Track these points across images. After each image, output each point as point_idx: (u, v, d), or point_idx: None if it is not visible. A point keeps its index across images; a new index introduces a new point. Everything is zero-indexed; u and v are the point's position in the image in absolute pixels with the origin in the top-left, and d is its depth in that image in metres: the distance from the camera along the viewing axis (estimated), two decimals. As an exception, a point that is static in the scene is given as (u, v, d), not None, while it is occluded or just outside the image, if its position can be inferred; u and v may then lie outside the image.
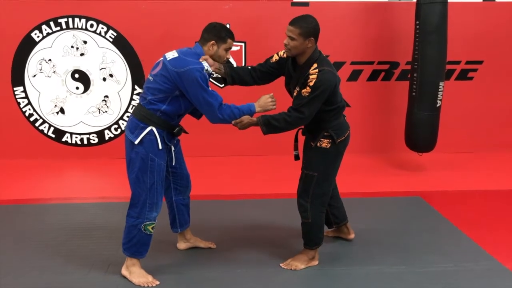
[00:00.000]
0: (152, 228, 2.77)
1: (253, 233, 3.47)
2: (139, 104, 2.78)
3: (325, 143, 2.81)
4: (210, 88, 2.65)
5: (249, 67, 3.01)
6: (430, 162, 5.13)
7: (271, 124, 2.72)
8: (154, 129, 2.67)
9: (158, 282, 2.81)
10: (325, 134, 2.81)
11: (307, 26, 2.67)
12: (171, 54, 2.71)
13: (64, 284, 2.78)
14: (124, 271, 2.85)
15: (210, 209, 3.86)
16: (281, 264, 2.98)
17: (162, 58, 2.75)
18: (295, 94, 2.78)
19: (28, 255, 3.12)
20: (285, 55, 2.89)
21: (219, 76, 2.96)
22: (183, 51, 2.73)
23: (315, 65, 2.69)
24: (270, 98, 2.80)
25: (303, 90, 2.67)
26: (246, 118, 2.74)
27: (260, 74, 2.98)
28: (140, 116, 2.70)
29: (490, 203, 4.11)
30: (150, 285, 2.78)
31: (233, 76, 2.93)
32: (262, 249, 3.21)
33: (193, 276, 2.90)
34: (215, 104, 2.64)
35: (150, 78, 2.74)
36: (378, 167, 5.04)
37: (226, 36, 2.75)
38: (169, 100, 2.68)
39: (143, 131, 2.67)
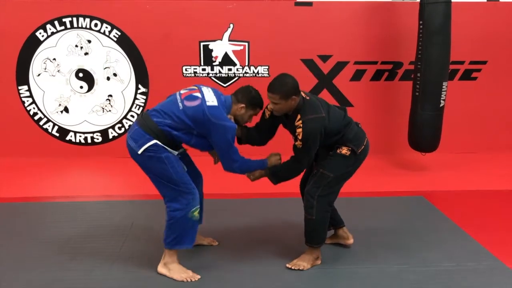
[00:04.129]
0: (198, 213, 2.80)
1: (257, 232, 3.48)
2: (148, 117, 2.73)
3: (344, 150, 2.88)
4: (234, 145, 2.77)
5: (256, 129, 3.09)
6: (433, 162, 5.13)
7: (278, 176, 2.92)
8: (158, 142, 2.68)
9: (199, 277, 2.83)
10: (343, 146, 2.89)
11: (285, 90, 2.70)
12: (211, 100, 2.72)
13: (69, 281, 2.79)
14: (161, 269, 2.86)
15: (214, 208, 3.86)
16: (287, 265, 2.96)
17: (199, 95, 2.74)
18: (293, 143, 2.84)
19: (32, 252, 3.13)
20: None
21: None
22: (220, 99, 2.77)
23: (298, 116, 2.76)
24: (279, 160, 2.94)
25: (296, 143, 2.78)
26: (258, 172, 2.94)
27: (265, 136, 3.09)
28: (147, 129, 2.68)
29: (493, 203, 4.11)
30: (192, 280, 2.80)
31: (247, 138, 3.07)
32: (265, 248, 3.22)
33: (198, 274, 2.90)
34: (235, 159, 2.78)
35: (180, 105, 2.72)
36: (381, 167, 5.05)
37: (257, 104, 2.87)
38: (185, 131, 2.72)
39: (147, 142, 2.66)
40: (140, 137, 2.68)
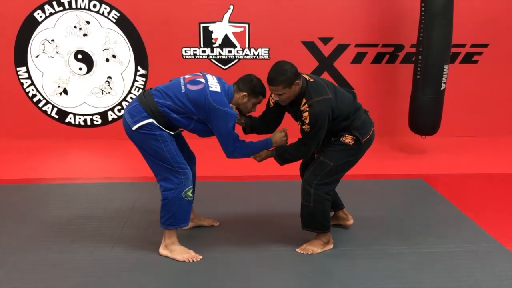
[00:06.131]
0: (191, 193, 2.81)
1: (258, 213, 3.49)
2: (150, 95, 2.71)
3: (348, 139, 2.80)
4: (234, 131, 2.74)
5: (261, 118, 3.04)
6: (433, 145, 5.13)
7: (285, 157, 2.86)
8: (154, 122, 2.67)
9: (201, 257, 2.84)
10: (347, 134, 2.81)
11: (286, 78, 2.62)
12: (214, 85, 2.71)
13: (70, 262, 2.80)
14: (163, 251, 2.87)
15: (216, 190, 3.88)
16: (296, 249, 2.95)
17: (203, 80, 2.73)
18: (300, 127, 2.78)
19: (33, 234, 3.14)
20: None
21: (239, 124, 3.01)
22: (223, 87, 2.77)
23: (304, 101, 2.69)
24: (285, 137, 2.89)
25: (303, 127, 2.72)
26: (264, 152, 2.89)
27: (271, 124, 3.04)
28: (146, 107, 2.67)
29: (492, 186, 4.13)
30: (194, 260, 2.82)
31: (252, 127, 3.03)
32: (267, 228, 3.24)
33: (199, 254, 2.91)
34: (236, 146, 2.76)
35: (182, 88, 2.70)
36: (381, 150, 5.04)
37: (259, 92, 2.83)
38: (184, 115, 2.71)
39: (143, 120, 2.65)
40: (137, 114, 2.67)
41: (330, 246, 2.99)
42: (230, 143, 2.74)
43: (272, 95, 2.82)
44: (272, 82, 2.66)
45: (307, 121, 2.66)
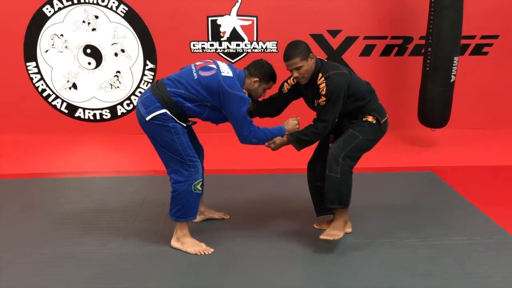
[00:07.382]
0: (200, 186, 2.82)
1: (268, 207, 3.50)
2: (162, 85, 2.72)
3: (370, 118, 2.87)
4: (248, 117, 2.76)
5: (269, 101, 3.08)
6: (443, 137, 5.11)
7: (302, 140, 2.86)
8: (168, 112, 2.67)
9: (212, 250, 2.86)
10: (367, 115, 2.88)
11: (301, 50, 2.72)
12: (226, 71, 2.73)
13: (83, 255, 2.83)
14: (175, 243, 2.89)
15: (226, 183, 3.89)
16: (321, 236, 2.82)
17: (215, 66, 2.74)
18: (316, 105, 2.83)
19: (45, 228, 3.17)
20: (294, 82, 2.94)
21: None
22: (235, 72, 2.78)
23: (320, 75, 2.76)
24: (297, 125, 2.92)
25: (319, 101, 2.76)
26: (278, 139, 2.89)
27: (280, 106, 3.09)
28: (159, 97, 2.67)
29: (503, 178, 4.10)
30: (206, 253, 2.83)
31: (259, 112, 3.06)
32: (277, 222, 3.25)
33: (210, 247, 2.92)
34: (250, 130, 2.77)
35: (195, 75, 2.71)
36: (391, 143, 5.01)
37: (270, 78, 2.86)
38: (198, 103, 2.71)
39: (157, 111, 2.65)
40: (150, 104, 2.68)
41: (348, 229, 2.99)
42: (245, 127, 2.74)
43: (292, 77, 2.86)
44: (289, 57, 2.72)
45: (323, 93, 2.71)
